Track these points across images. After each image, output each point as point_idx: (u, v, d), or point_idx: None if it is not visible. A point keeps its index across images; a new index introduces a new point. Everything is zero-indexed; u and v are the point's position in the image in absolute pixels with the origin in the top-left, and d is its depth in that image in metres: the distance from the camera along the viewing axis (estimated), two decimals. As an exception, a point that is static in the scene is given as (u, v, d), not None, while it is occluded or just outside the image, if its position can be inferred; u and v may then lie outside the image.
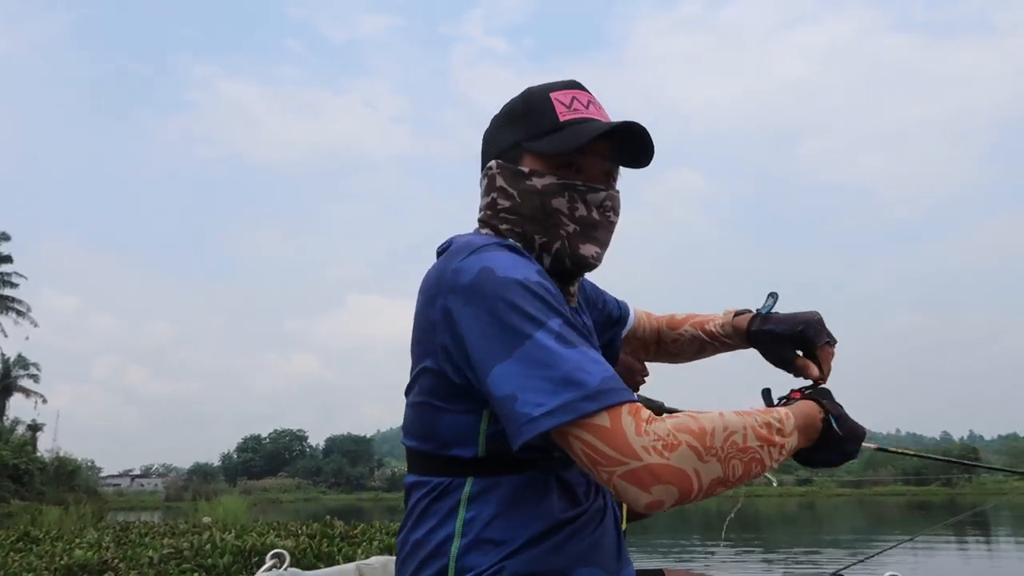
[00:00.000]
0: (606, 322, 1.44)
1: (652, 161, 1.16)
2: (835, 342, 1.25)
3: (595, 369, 0.91)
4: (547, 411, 0.88)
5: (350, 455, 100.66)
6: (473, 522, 1.00)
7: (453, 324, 0.98)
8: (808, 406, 1.09)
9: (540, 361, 0.91)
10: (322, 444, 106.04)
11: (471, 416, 1.02)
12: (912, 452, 2.02)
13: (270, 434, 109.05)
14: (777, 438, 0.98)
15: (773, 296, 1.32)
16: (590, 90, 1.19)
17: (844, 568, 2.04)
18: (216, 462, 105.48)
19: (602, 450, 0.88)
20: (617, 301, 1.49)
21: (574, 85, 1.18)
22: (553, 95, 1.15)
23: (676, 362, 1.56)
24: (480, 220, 1.20)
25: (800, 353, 1.27)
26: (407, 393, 1.11)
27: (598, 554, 1.05)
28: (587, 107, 1.15)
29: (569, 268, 1.14)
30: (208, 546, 5.22)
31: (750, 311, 1.38)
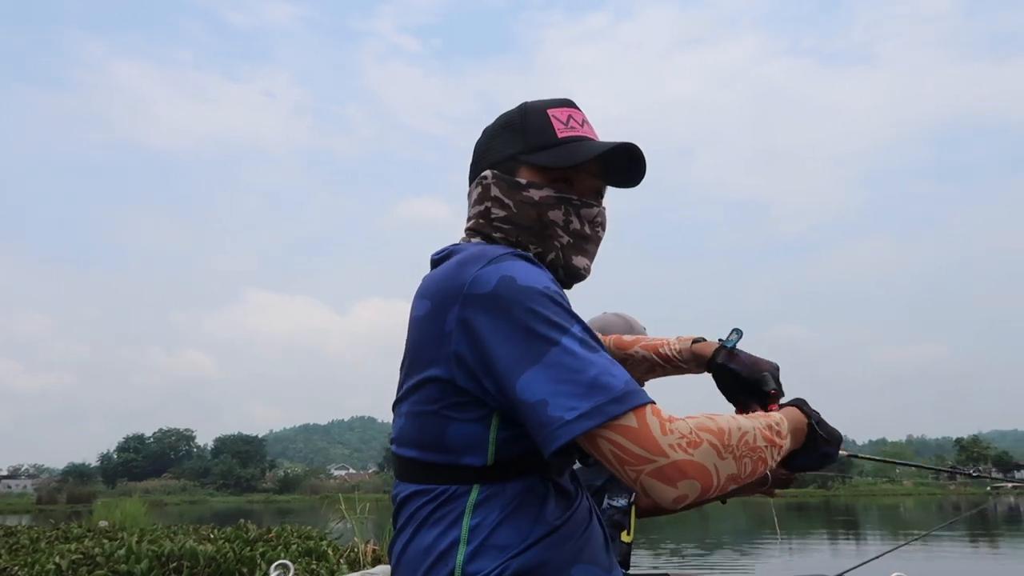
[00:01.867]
0: None
1: (641, 182, 1.22)
2: (782, 395, 1.30)
3: (619, 372, 0.95)
4: (581, 414, 0.91)
5: (240, 456, 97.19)
6: (478, 528, 1.01)
7: (473, 333, 0.99)
8: (794, 411, 1.16)
9: (568, 366, 0.94)
10: (211, 444, 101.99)
11: (480, 424, 1.03)
12: (881, 458, 2.03)
13: (154, 433, 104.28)
14: (778, 439, 1.05)
15: (738, 332, 1.39)
16: (582, 109, 1.23)
17: (849, 569, 2.10)
18: (94, 462, 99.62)
19: (631, 449, 0.92)
20: None
21: (569, 104, 1.22)
22: (550, 111, 1.19)
23: None
24: (470, 229, 1.21)
25: (753, 401, 1.33)
26: (400, 402, 1.12)
27: (592, 550, 1.08)
28: (582, 126, 1.19)
29: (561, 279, 1.17)
30: (122, 551, 5.06)
31: (707, 340, 1.43)
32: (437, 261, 1.16)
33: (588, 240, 1.18)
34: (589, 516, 1.11)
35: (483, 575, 0.99)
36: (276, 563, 1.47)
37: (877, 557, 2.31)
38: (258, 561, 5.11)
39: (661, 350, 1.49)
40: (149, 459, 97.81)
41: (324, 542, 5.95)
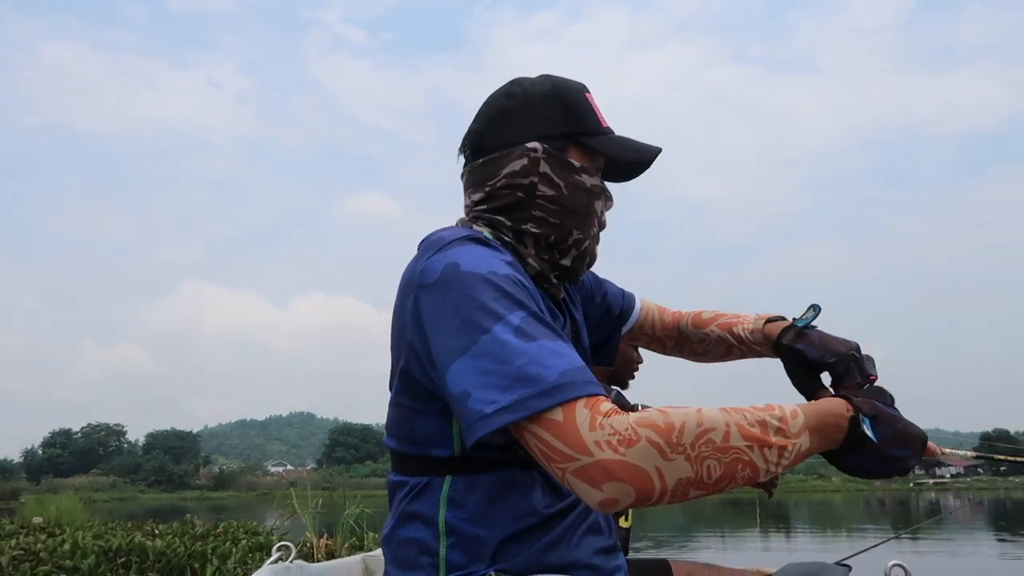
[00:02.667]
0: (604, 316, 1.38)
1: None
2: (866, 383, 1.14)
3: (554, 363, 0.87)
4: (500, 408, 0.85)
5: (173, 452, 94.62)
6: (455, 522, 1.00)
7: (420, 324, 0.96)
8: (832, 403, 0.96)
9: (495, 356, 0.87)
10: (142, 440, 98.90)
11: (441, 417, 1.00)
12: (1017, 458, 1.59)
13: (83, 428, 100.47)
14: (775, 438, 0.87)
15: (815, 308, 1.24)
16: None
17: (848, 557, 2.05)
18: (16, 458, 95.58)
19: (554, 445, 0.84)
20: (623, 293, 1.42)
21: (588, 89, 1.18)
22: (588, 96, 1.15)
23: (702, 361, 1.46)
24: (487, 199, 1.11)
25: (827, 385, 1.20)
26: (390, 391, 1.10)
27: (587, 546, 1.05)
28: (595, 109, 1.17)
29: (584, 267, 1.15)
30: (67, 546, 4.93)
31: (784, 319, 1.30)
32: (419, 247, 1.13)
33: (602, 231, 1.18)
34: (587, 508, 1.06)
35: (468, 568, 0.99)
36: (278, 544, 1.46)
37: (871, 548, 2.31)
38: (209, 556, 5.04)
39: (735, 330, 1.36)
40: (76, 455, 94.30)
41: (274, 537, 5.88)
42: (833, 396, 1.04)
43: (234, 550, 5.09)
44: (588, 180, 1.11)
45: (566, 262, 1.11)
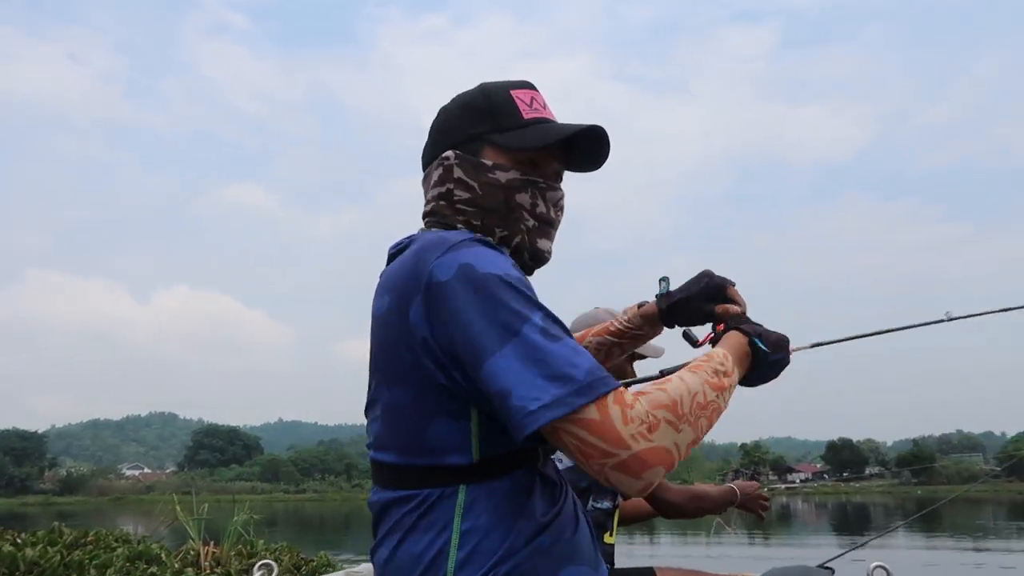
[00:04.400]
0: None
1: (603, 166, 1.20)
2: (733, 282, 1.32)
3: (580, 361, 0.91)
4: (543, 405, 0.88)
5: (15, 453, 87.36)
6: (471, 533, 0.98)
7: (437, 324, 0.97)
8: (734, 336, 1.17)
9: (530, 356, 0.91)
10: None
11: (460, 420, 1.00)
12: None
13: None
14: (725, 381, 1.04)
15: (665, 280, 1.39)
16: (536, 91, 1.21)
17: (831, 559, 2.12)
18: None
19: (593, 443, 0.89)
20: None
21: (531, 86, 1.19)
22: (514, 92, 1.16)
23: None
24: (429, 214, 1.16)
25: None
26: (372, 405, 1.08)
27: (582, 551, 1.05)
28: (544, 108, 1.17)
29: (526, 263, 1.15)
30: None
31: (647, 302, 1.45)
32: (394, 255, 1.12)
33: (552, 224, 1.16)
34: (575, 510, 1.09)
35: None
36: (260, 563, 1.45)
37: (852, 549, 2.38)
38: (87, 565, 4.76)
39: (611, 328, 1.50)
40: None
41: (156, 545, 5.61)
42: (725, 306, 1.29)
43: (114, 559, 4.82)
44: (504, 176, 1.11)
45: None
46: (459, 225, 1.12)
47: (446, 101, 1.21)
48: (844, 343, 1.68)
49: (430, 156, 1.18)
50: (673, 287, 1.39)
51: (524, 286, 0.98)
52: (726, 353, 1.10)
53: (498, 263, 0.98)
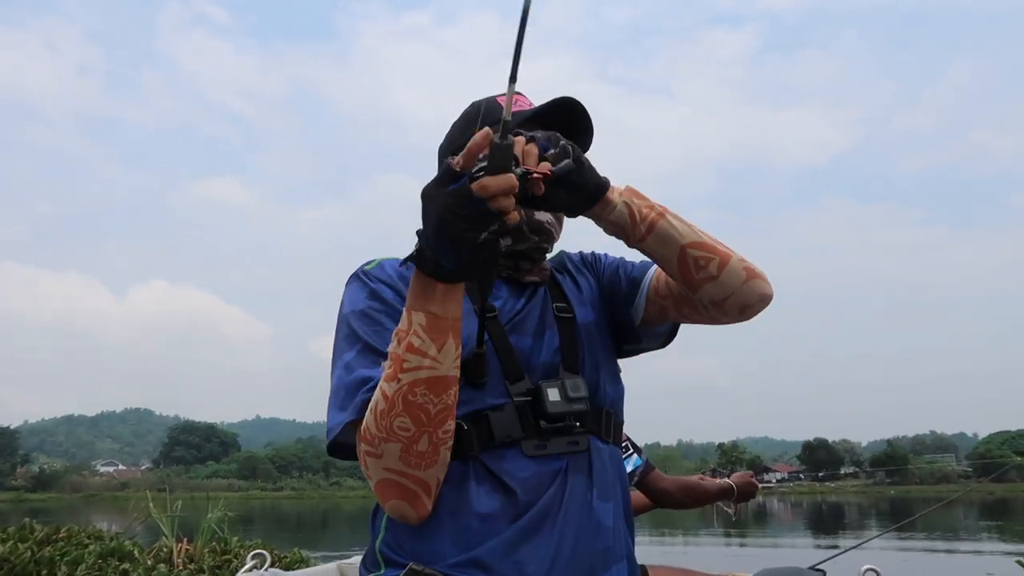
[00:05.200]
0: (610, 296, 1.29)
1: (592, 142, 1.16)
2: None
3: (346, 400, 1.05)
4: (328, 428, 1.06)
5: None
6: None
7: None
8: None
9: (332, 388, 1.09)
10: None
11: None
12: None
13: None
14: (400, 350, 1.01)
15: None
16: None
17: (822, 561, 2.12)
18: None
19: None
20: (635, 267, 1.31)
21: (513, 91, 1.25)
22: (499, 97, 1.22)
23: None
24: None
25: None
26: None
27: (559, 563, 1.01)
28: (530, 106, 1.20)
29: (530, 236, 1.17)
30: None
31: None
32: None
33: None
34: (555, 513, 1.04)
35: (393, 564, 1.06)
36: (253, 552, 1.46)
37: (846, 551, 2.41)
38: (58, 562, 4.72)
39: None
40: None
41: (128, 542, 5.58)
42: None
43: (86, 555, 4.80)
44: None
45: (509, 244, 1.12)
46: None
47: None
48: (799, 302, 1.64)
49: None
50: None
51: (360, 318, 1.11)
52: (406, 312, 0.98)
53: (350, 301, 1.15)
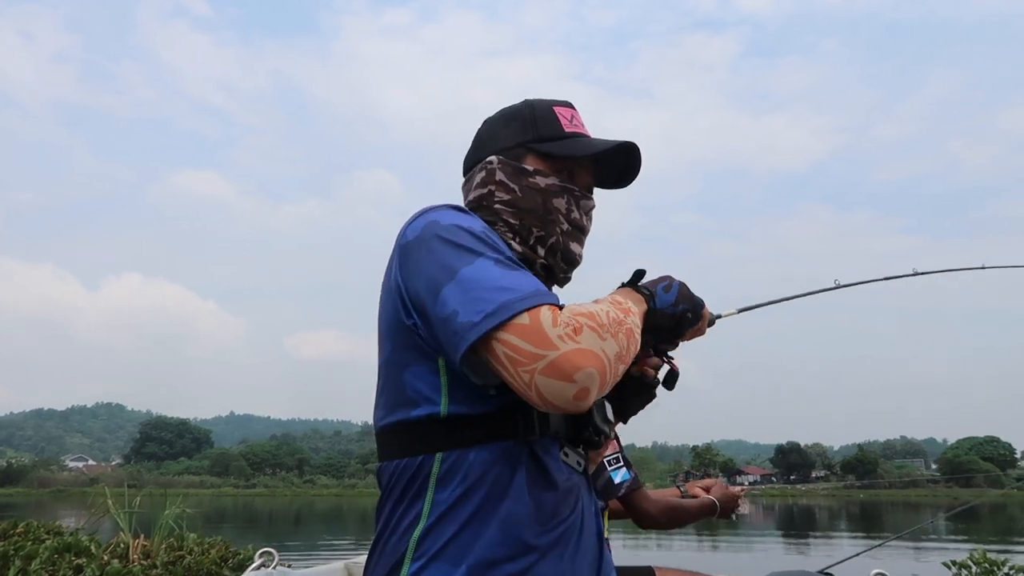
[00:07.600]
0: None
1: (632, 184, 1.27)
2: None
3: (528, 281, 0.96)
4: (486, 314, 0.90)
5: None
6: (441, 504, 0.99)
7: (407, 274, 1.04)
8: (623, 290, 1.14)
9: (480, 281, 0.95)
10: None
11: (431, 369, 1.03)
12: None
13: None
14: (625, 312, 1.03)
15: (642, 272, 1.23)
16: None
17: (831, 565, 2.14)
18: None
19: (522, 347, 0.89)
20: None
21: (571, 105, 1.28)
22: (556, 108, 1.25)
23: None
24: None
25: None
26: (377, 373, 1.12)
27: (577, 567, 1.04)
28: (582, 126, 1.26)
29: (559, 263, 1.20)
30: None
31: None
32: None
33: (583, 231, 1.23)
34: (578, 530, 1.06)
35: (434, 557, 0.98)
36: (260, 551, 1.46)
37: (854, 556, 2.38)
38: (11, 556, 4.72)
39: None
40: None
41: (85, 538, 5.57)
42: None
43: (40, 550, 4.79)
44: (543, 181, 1.19)
45: (540, 257, 1.18)
46: (498, 225, 1.18)
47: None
48: (771, 306, 1.72)
49: (472, 161, 1.26)
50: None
51: (487, 236, 1.04)
52: (614, 296, 1.10)
53: (463, 218, 1.06)
